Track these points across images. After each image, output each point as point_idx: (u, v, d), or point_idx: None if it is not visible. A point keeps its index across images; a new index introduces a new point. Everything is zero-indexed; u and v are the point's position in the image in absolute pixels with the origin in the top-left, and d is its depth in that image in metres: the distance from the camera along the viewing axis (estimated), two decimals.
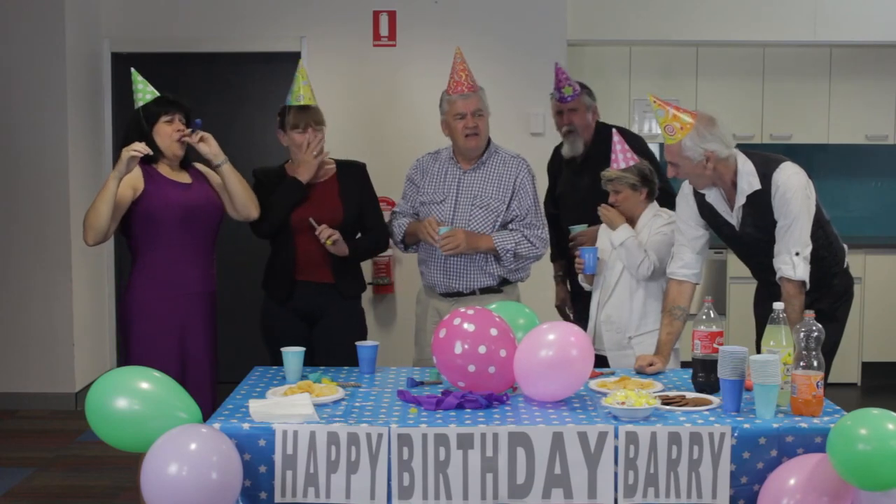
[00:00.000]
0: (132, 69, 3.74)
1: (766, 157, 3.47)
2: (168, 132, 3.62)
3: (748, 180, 3.40)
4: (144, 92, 3.66)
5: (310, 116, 3.88)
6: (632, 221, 3.78)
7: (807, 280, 3.36)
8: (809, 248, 3.37)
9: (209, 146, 3.66)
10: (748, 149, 3.53)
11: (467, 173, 3.98)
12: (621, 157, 3.78)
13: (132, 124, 3.64)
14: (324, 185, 3.92)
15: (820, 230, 3.45)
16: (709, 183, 3.45)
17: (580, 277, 3.95)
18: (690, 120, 3.35)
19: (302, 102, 3.89)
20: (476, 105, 3.91)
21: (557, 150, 4.61)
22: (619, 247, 3.73)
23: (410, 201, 4.09)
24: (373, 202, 4.01)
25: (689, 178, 3.46)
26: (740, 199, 3.43)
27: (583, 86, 4.45)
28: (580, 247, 3.88)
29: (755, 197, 3.40)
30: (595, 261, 3.80)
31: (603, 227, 3.93)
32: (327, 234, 3.75)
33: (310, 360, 3.59)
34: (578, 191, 4.32)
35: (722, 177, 3.42)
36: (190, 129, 3.64)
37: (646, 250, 3.70)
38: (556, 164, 4.60)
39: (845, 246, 3.66)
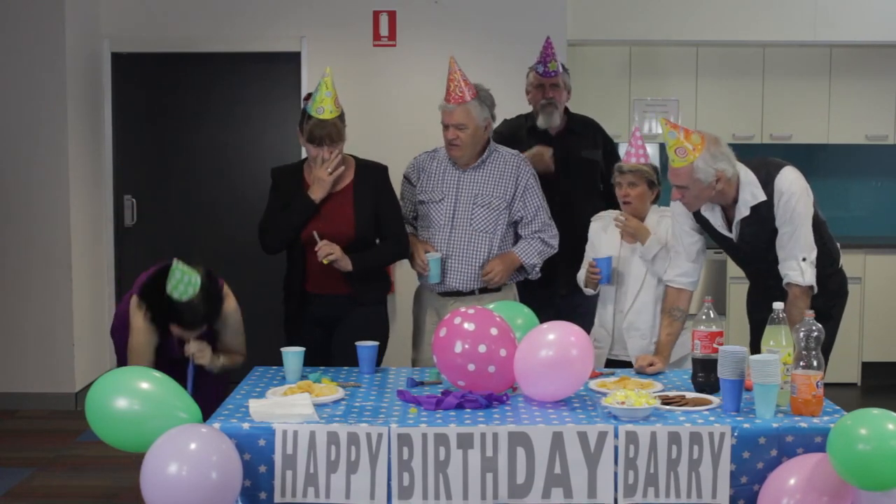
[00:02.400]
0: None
1: (765, 164, 3.45)
2: (177, 333, 3.39)
3: (751, 191, 3.39)
4: (185, 284, 3.27)
5: (326, 132, 3.68)
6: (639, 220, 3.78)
7: (815, 284, 3.36)
8: (815, 253, 3.38)
9: (203, 358, 3.42)
10: (748, 149, 3.54)
11: (467, 172, 3.97)
12: (642, 153, 3.76)
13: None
14: (338, 197, 3.79)
15: (815, 230, 3.45)
16: (706, 202, 3.44)
17: (583, 280, 3.90)
18: (700, 140, 3.30)
19: (321, 116, 3.68)
20: (458, 118, 3.87)
21: (509, 122, 4.65)
22: (650, 260, 3.71)
23: (408, 201, 4.08)
24: (391, 209, 3.87)
25: (693, 201, 3.40)
26: (743, 212, 3.41)
27: (563, 66, 4.58)
28: (595, 257, 3.81)
29: (758, 206, 3.40)
30: (610, 270, 3.76)
31: (598, 227, 3.90)
32: (325, 253, 3.65)
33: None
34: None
35: (725, 195, 3.39)
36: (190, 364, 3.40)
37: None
38: (511, 136, 4.55)
39: (838, 245, 3.67)
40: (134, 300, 3.42)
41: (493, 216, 3.94)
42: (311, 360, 3.46)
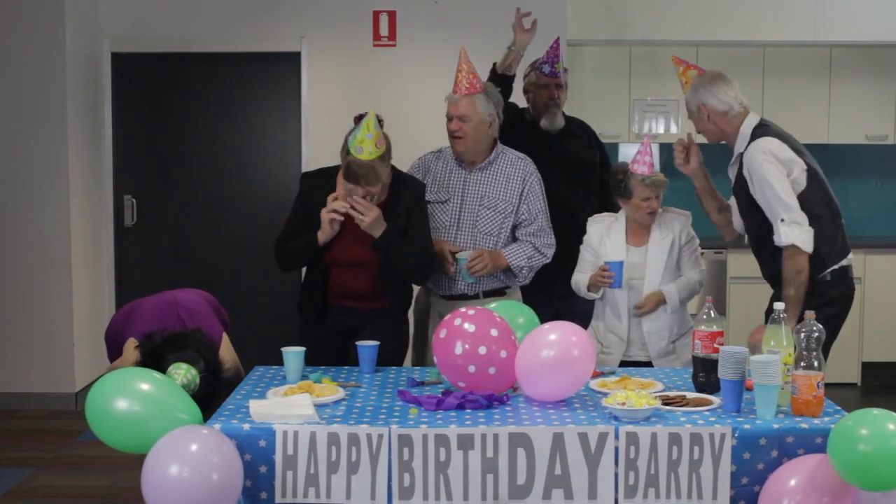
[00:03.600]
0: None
1: (763, 127, 3.60)
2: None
3: (741, 142, 3.61)
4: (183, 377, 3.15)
5: (362, 172, 3.48)
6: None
7: (799, 243, 3.43)
8: (796, 213, 3.45)
9: None
10: None
11: (473, 173, 3.95)
12: (655, 161, 3.76)
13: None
14: None
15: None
16: (716, 138, 3.69)
17: (585, 283, 3.87)
18: (694, 76, 3.70)
19: (360, 156, 3.48)
20: (463, 110, 3.83)
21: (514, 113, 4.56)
22: (675, 267, 3.78)
23: None
24: (420, 224, 3.70)
25: (699, 131, 3.71)
26: (734, 157, 3.66)
27: (564, 66, 4.59)
28: (607, 261, 3.78)
29: (741, 156, 3.61)
30: (622, 274, 3.75)
31: (595, 239, 3.89)
32: (360, 212, 3.49)
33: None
34: (549, 162, 4.30)
35: (725, 133, 3.65)
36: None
37: (688, 280, 3.76)
38: (512, 129, 4.43)
39: (850, 256, 3.61)
40: (131, 345, 3.40)
41: (499, 219, 3.91)
42: None
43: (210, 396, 3.17)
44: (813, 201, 3.52)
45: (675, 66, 3.80)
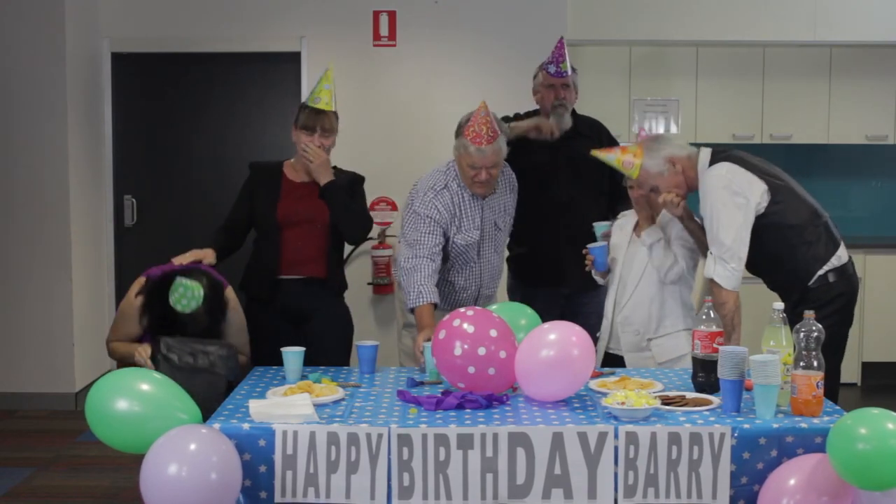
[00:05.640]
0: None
1: (722, 154, 3.58)
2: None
3: (701, 176, 3.57)
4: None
5: (320, 121, 3.83)
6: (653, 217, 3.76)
7: (717, 279, 3.45)
8: (725, 250, 3.44)
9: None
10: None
11: (486, 201, 3.93)
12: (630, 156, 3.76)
13: None
14: (316, 185, 3.89)
15: (775, 232, 3.49)
16: (690, 187, 3.60)
17: (594, 272, 3.88)
18: (638, 147, 3.60)
19: (318, 105, 3.83)
20: (493, 160, 3.74)
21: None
22: (648, 247, 3.68)
23: (432, 235, 3.81)
24: (360, 200, 3.96)
25: (669, 191, 3.57)
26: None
27: (572, 66, 4.52)
28: (588, 245, 3.80)
29: None
30: (605, 257, 3.74)
31: (618, 225, 3.88)
32: (313, 154, 3.80)
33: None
34: (558, 165, 4.33)
35: (692, 179, 3.59)
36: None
37: (675, 255, 3.66)
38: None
39: (840, 254, 3.57)
40: (137, 285, 3.47)
41: (503, 237, 4.06)
42: (275, 357, 3.36)
43: (213, 325, 3.32)
44: (781, 214, 3.50)
45: (608, 155, 3.68)
